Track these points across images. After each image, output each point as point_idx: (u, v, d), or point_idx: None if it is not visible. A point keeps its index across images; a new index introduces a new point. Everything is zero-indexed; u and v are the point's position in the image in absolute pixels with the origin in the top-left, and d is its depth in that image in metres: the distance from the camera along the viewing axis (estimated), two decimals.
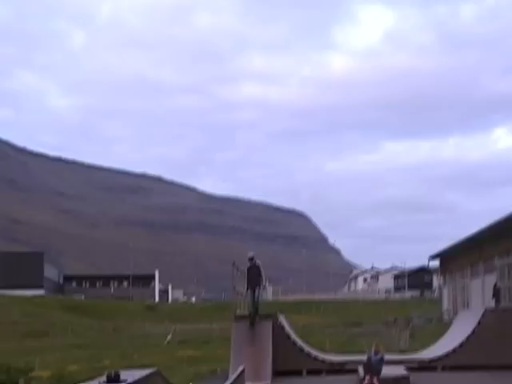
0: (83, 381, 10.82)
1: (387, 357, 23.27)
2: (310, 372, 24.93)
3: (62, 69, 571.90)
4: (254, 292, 24.65)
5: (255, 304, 24.76)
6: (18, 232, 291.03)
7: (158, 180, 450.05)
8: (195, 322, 66.44)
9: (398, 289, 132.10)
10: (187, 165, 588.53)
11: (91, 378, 10.46)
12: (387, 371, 21.20)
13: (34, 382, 12.93)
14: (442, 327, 37.91)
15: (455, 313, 46.57)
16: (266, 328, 25.41)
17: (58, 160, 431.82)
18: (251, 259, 24.69)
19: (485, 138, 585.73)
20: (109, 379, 9.33)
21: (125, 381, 9.31)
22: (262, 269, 24.69)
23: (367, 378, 20.68)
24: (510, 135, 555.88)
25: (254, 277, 24.51)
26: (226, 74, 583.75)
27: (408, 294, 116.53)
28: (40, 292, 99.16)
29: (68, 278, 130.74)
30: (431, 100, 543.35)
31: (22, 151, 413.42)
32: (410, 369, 22.83)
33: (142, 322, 69.93)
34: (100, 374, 9.97)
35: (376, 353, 21.61)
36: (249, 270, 24.64)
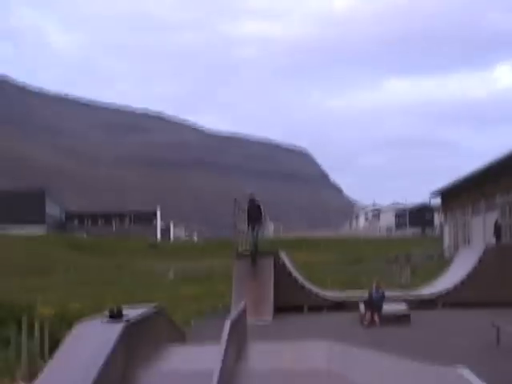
0: (86, 318, 10.78)
1: (388, 293, 23.38)
2: (312, 308, 25.11)
3: (63, 4, 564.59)
4: (255, 230, 24.72)
5: (256, 242, 24.82)
6: (19, 169, 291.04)
7: (159, 117, 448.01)
8: (197, 259, 66.85)
9: (399, 226, 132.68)
10: (188, 102, 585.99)
11: (94, 315, 10.42)
12: (388, 308, 21.31)
13: (37, 319, 12.95)
14: (442, 264, 38.06)
15: (456, 250, 46.74)
16: (268, 265, 25.50)
17: (59, 97, 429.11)
18: (252, 199, 24.70)
19: (488, 76, 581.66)
20: (111, 315, 9.27)
21: (127, 317, 9.25)
22: (262, 208, 24.71)
23: (368, 314, 20.81)
24: None
25: (254, 216, 24.55)
26: (228, 10, 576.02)
27: (409, 231, 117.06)
28: (42, 230, 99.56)
29: (70, 216, 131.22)
30: (434, 37, 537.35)
31: (22, 88, 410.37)
32: (410, 305, 22.94)
33: (144, 259, 70.36)
34: (102, 311, 9.91)
35: (377, 289, 21.70)
36: (249, 209, 24.64)
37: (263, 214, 24.62)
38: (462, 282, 25.93)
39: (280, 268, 25.74)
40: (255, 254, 24.76)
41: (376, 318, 20.65)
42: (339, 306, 25.14)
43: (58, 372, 7.53)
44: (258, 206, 24.51)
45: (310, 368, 9.04)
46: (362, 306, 21.76)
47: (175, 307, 24.51)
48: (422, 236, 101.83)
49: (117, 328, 8.61)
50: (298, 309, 24.84)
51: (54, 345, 9.80)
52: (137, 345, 9.43)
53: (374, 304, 21.00)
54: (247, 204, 24.69)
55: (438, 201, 70.37)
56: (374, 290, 21.70)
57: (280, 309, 23.84)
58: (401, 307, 22.30)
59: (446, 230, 61.69)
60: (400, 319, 20.84)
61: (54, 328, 14.07)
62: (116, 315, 9.24)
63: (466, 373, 10.60)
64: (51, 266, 57.22)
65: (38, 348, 12.00)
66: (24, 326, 11.70)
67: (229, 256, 32.45)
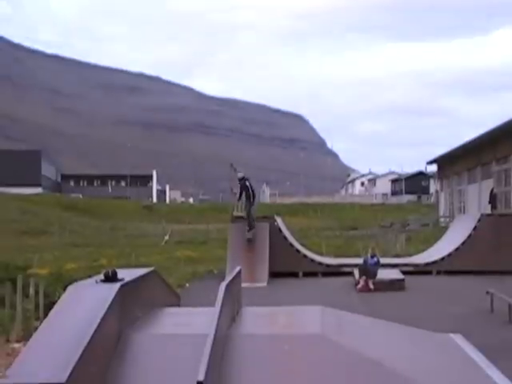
0: (81, 279, 10.76)
1: (383, 260, 23.44)
2: (306, 274, 25.18)
3: None
4: (247, 208, 24.87)
5: (250, 219, 24.90)
6: (15, 130, 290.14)
7: (156, 80, 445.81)
8: (193, 222, 66.90)
9: (395, 193, 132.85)
10: (185, 65, 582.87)
11: (89, 276, 10.41)
12: (383, 274, 21.37)
13: (33, 279, 12.95)
14: (438, 232, 38.16)
15: (451, 218, 46.84)
16: (263, 230, 25.51)
17: (55, 57, 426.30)
18: (241, 179, 24.69)
19: (488, 43, 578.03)
20: (106, 277, 9.24)
21: (122, 279, 9.22)
22: (252, 187, 24.77)
23: (362, 280, 20.88)
24: None
25: (246, 197, 24.74)
26: None
27: (405, 198, 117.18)
28: (38, 190, 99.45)
29: (66, 177, 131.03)
30: (434, 4, 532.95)
31: (19, 47, 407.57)
32: (405, 272, 23.02)
33: (140, 222, 70.42)
34: (98, 273, 9.90)
35: (372, 256, 21.75)
36: (241, 190, 24.75)
37: (254, 193, 24.68)
38: (457, 250, 25.97)
39: (275, 233, 25.75)
40: (250, 228, 24.84)
41: (370, 284, 20.73)
42: (334, 272, 25.22)
43: (52, 332, 7.52)
44: (248, 188, 24.51)
45: (304, 333, 9.05)
46: (356, 272, 21.84)
47: (170, 270, 24.59)
48: (417, 203, 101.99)
49: (112, 289, 8.60)
50: (292, 274, 24.91)
51: (49, 305, 9.80)
52: (131, 307, 9.43)
53: (368, 270, 21.06)
54: (238, 184, 24.72)
55: (434, 168, 70.38)
56: (368, 257, 21.76)
57: (275, 274, 23.90)
58: (395, 274, 22.38)
59: (442, 197, 61.77)
60: (394, 285, 20.91)
61: (49, 288, 14.09)
62: (111, 278, 9.23)
63: (459, 339, 10.64)
64: (46, 226, 57.25)
65: (33, 308, 12.00)
66: (19, 286, 11.69)
67: (224, 220, 32.50)
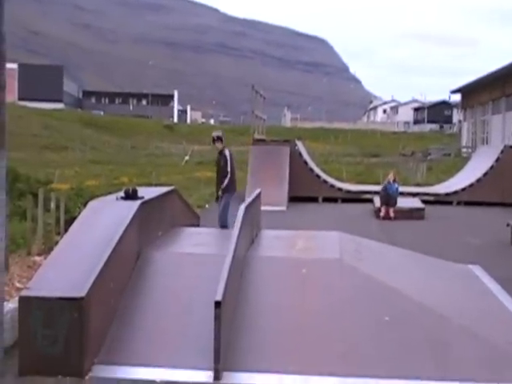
0: (101, 195, 10.79)
1: (403, 189, 23.32)
2: (326, 199, 25.15)
3: None
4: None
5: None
6: (37, 44, 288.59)
7: None
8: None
9: (417, 122, 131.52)
10: None
11: (109, 193, 10.42)
12: (403, 203, 21.28)
13: (54, 193, 12.98)
14: (459, 162, 37.88)
15: (474, 148, 46.40)
16: (284, 153, 25.37)
17: None
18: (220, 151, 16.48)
19: None
20: (126, 195, 9.26)
21: (142, 197, 9.23)
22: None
23: (383, 208, 20.80)
24: None
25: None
26: None
27: (427, 127, 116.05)
28: (59, 106, 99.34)
29: (87, 94, 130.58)
30: None
31: None
32: (425, 202, 22.91)
33: (160, 141, 70.37)
34: (118, 190, 9.89)
35: (393, 183, 21.60)
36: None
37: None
38: (479, 181, 25.76)
39: (296, 157, 25.61)
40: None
41: (391, 212, 20.65)
42: (354, 199, 25.14)
43: (72, 248, 7.56)
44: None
45: (322, 257, 9.06)
46: (376, 200, 21.75)
47: (190, 190, 24.63)
48: (439, 132, 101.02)
49: (132, 207, 8.60)
50: (312, 199, 24.86)
51: (70, 220, 9.84)
52: (151, 225, 9.46)
53: (388, 197, 20.94)
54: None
55: (457, 98, 69.38)
56: (389, 183, 21.58)
57: (294, 198, 23.86)
58: (415, 203, 22.26)
59: (465, 127, 61.09)
60: (414, 214, 20.79)
61: (70, 204, 14.14)
62: (131, 196, 9.23)
63: (478, 270, 10.63)
64: (67, 142, 57.45)
65: (54, 222, 12.07)
66: (40, 199, 11.72)
67: (246, 143, 32.36)
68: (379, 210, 20.88)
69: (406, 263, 10.46)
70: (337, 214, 21.27)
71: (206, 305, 6.68)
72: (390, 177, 21.84)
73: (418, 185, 29.73)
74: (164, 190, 11.12)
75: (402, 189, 22.40)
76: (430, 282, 9.41)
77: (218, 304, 6.28)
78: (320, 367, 6.54)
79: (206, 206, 21.68)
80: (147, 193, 9.74)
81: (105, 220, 8.26)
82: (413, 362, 6.65)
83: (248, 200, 10.15)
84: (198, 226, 13.27)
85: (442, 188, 27.19)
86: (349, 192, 25.80)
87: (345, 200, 25.09)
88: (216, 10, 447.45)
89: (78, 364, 6.30)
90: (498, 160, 25.92)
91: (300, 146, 26.60)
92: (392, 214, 20.55)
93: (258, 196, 11.67)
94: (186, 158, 46.76)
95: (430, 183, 30.16)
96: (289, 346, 6.85)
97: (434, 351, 6.84)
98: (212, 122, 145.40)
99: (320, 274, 8.30)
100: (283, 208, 22.20)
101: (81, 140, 58.32)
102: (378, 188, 23.01)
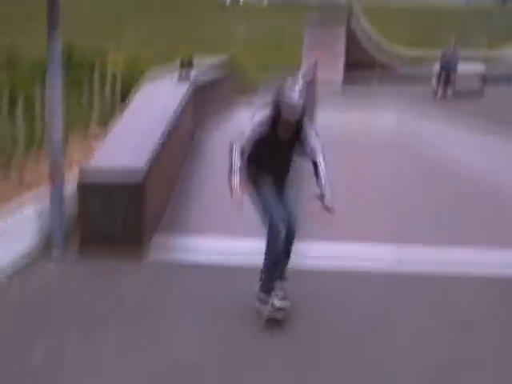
0: (158, 65, 10.67)
1: (467, 53, 21.93)
2: (382, 79, 24.10)
3: None
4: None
5: None
6: None
7: None
8: (267, 23, 64.99)
9: None
10: None
11: (165, 63, 10.31)
12: (462, 79, 20.37)
13: (110, 64, 12.79)
14: None
15: None
16: (340, 33, 24.70)
17: None
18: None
19: None
20: (182, 64, 9.22)
21: (196, 76, 9.15)
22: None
23: (441, 87, 20.28)
24: None
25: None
26: None
27: (489, 2, 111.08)
28: None
29: None
30: None
31: None
32: (486, 80, 21.73)
33: (214, 22, 68.67)
34: (174, 61, 9.78)
35: (454, 49, 20.67)
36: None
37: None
38: None
39: (352, 36, 24.94)
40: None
41: (449, 91, 20.09)
42: (410, 78, 24.19)
43: (128, 129, 7.54)
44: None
45: (380, 137, 8.97)
46: (434, 79, 21.05)
47: (247, 63, 23.99)
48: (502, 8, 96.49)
49: (187, 87, 8.53)
50: (367, 80, 23.82)
51: (125, 93, 9.72)
52: (205, 106, 9.41)
53: (448, 73, 20.14)
54: None
55: None
56: (449, 50, 20.59)
57: (350, 65, 23.14)
58: (474, 82, 21.15)
59: None
60: (472, 94, 20.03)
61: (126, 76, 13.71)
62: (187, 64, 9.16)
63: None
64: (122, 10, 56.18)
65: (110, 94, 11.92)
66: (96, 71, 11.53)
67: (300, 24, 31.26)
68: (437, 89, 20.33)
69: (465, 141, 10.31)
70: (394, 94, 20.57)
71: None
72: (452, 43, 20.81)
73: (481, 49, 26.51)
74: (219, 58, 10.88)
75: (462, 54, 21.13)
76: (486, 157, 9.32)
77: None
78: (382, 238, 6.63)
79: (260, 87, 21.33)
80: (202, 62, 9.61)
81: (160, 101, 8.20)
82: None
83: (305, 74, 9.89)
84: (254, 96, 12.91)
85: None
86: (406, 57, 25.07)
87: (401, 80, 24.08)
88: None
89: (137, 242, 6.33)
90: None
91: (358, 10, 25.78)
92: (450, 93, 20.02)
93: (315, 71, 11.33)
94: (240, 37, 45.79)
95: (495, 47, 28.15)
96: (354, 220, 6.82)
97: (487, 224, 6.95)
98: (265, 2, 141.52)
99: (377, 152, 8.25)
100: (338, 88, 21.73)
101: (137, 11, 56.83)
102: (437, 53, 21.62)
